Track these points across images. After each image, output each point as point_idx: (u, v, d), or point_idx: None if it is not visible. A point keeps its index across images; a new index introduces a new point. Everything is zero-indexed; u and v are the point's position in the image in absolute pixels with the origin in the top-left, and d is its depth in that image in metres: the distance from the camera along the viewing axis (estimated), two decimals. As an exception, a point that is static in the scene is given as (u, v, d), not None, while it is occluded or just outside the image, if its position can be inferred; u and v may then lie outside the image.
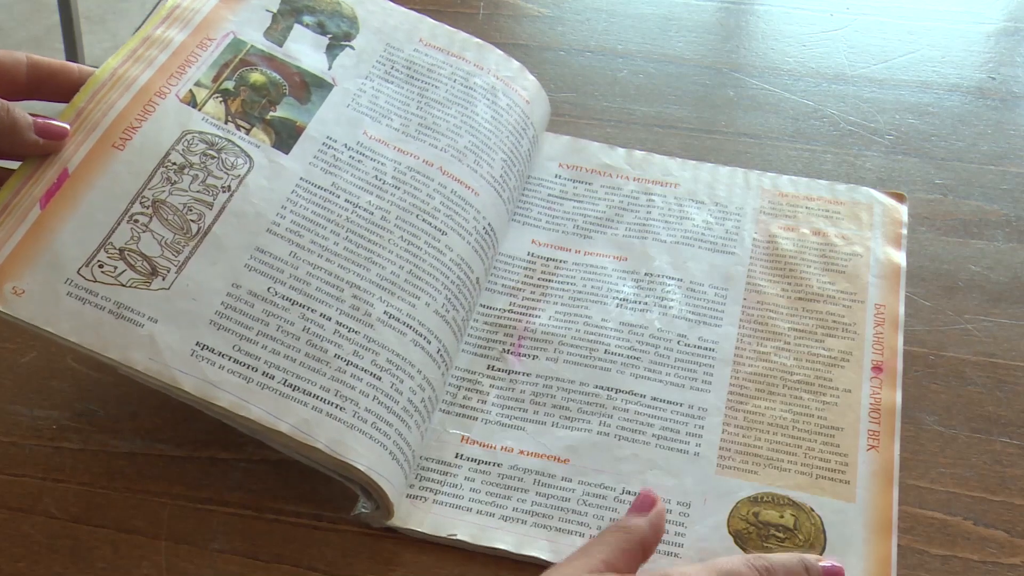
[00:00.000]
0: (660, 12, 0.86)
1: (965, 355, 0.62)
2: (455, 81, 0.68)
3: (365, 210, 0.60)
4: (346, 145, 0.63)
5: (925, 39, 0.82)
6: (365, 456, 0.52)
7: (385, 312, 0.57)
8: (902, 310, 0.63)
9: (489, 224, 0.64)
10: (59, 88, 0.58)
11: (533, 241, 0.67)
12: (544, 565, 0.53)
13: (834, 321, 0.62)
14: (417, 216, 0.61)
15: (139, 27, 0.64)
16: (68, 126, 0.55)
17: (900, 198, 0.69)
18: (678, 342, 0.61)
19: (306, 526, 0.55)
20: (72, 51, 1.82)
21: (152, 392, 0.57)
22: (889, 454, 0.56)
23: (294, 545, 0.54)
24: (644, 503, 0.51)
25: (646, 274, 0.65)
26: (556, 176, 0.71)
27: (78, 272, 0.53)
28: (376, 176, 0.62)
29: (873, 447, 0.57)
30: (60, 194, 0.55)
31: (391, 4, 0.71)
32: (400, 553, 0.54)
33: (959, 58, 0.81)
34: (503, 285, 0.65)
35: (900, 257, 0.66)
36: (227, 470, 0.57)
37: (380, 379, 0.55)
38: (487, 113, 0.67)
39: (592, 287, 0.64)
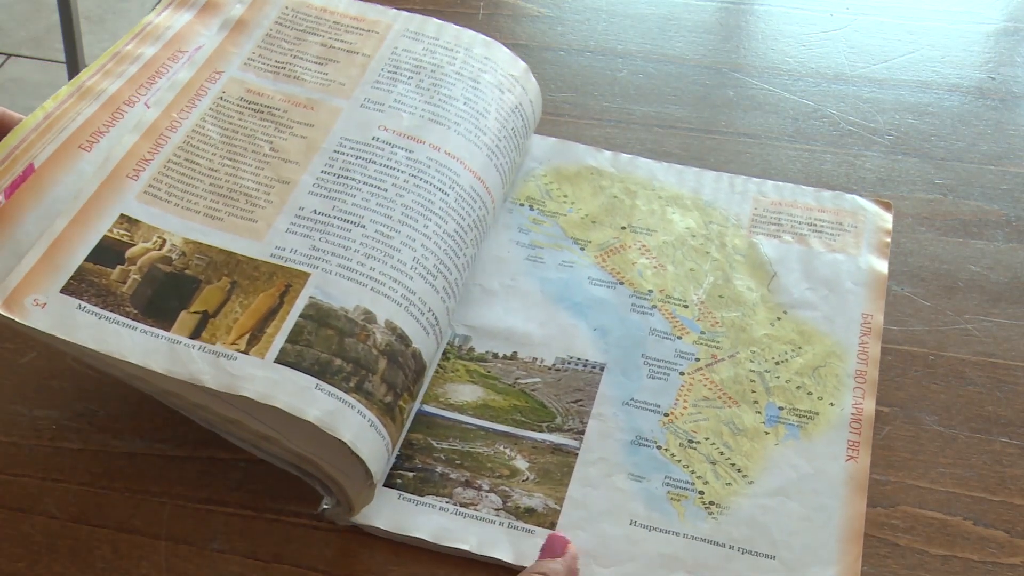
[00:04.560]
0: (660, 12, 0.86)
1: (965, 355, 0.62)
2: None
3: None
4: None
5: (925, 39, 0.82)
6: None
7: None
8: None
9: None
10: None
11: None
12: (509, 567, 0.53)
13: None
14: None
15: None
16: (2, 199, 0.55)
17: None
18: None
19: (306, 526, 0.55)
20: (72, 51, 1.82)
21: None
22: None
23: (294, 545, 0.54)
24: (555, 546, 0.51)
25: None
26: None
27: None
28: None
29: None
30: (24, 187, 0.56)
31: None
32: (400, 553, 0.54)
33: (959, 58, 0.81)
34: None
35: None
36: (227, 470, 0.57)
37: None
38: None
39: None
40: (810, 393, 0.59)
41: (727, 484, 0.56)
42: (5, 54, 2.03)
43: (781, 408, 0.58)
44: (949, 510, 0.55)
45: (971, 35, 0.83)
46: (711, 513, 0.55)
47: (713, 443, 0.57)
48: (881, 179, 0.72)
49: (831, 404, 0.59)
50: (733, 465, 0.56)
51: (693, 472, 0.56)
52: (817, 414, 0.58)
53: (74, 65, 1.83)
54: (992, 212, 0.69)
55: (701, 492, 0.55)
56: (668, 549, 0.53)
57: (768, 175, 0.71)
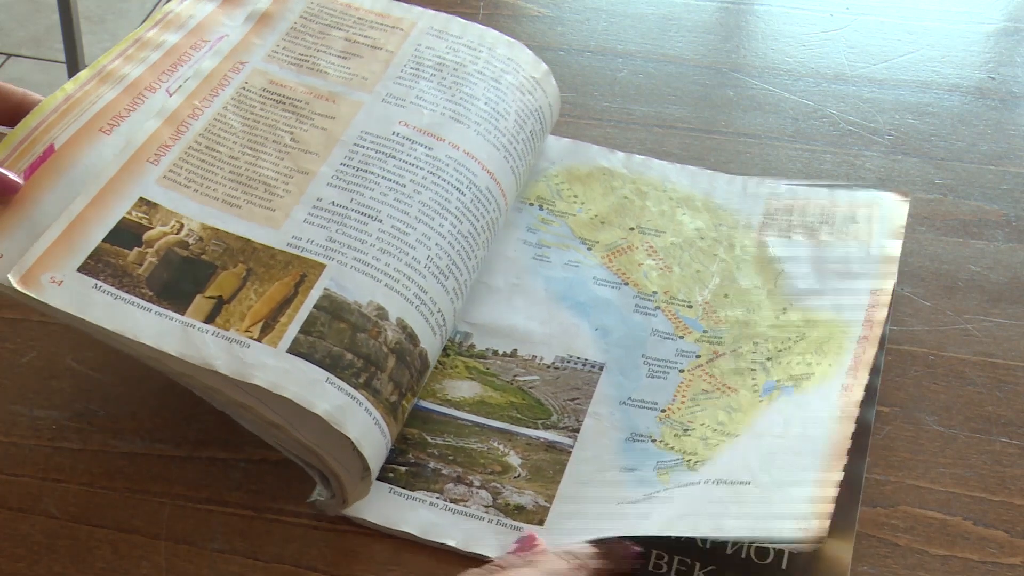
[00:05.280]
0: (660, 12, 0.86)
1: (965, 355, 0.62)
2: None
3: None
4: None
5: (925, 39, 0.82)
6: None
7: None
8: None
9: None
10: (2, 111, 0.58)
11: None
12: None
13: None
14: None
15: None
16: (21, 181, 0.55)
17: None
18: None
19: (306, 526, 0.55)
20: (72, 51, 1.82)
21: (152, 392, 0.58)
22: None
23: (294, 545, 0.54)
24: (526, 544, 0.52)
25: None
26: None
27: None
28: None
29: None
30: (44, 167, 0.56)
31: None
32: (400, 553, 0.54)
33: (959, 58, 0.81)
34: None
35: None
36: (227, 470, 0.57)
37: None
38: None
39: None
40: (809, 363, 0.58)
41: (715, 446, 0.55)
42: (5, 54, 2.03)
43: (778, 380, 0.58)
44: (949, 510, 0.55)
45: (971, 35, 0.83)
46: (695, 470, 0.54)
47: (707, 425, 0.57)
48: (881, 179, 0.72)
49: (830, 365, 0.57)
50: (727, 434, 0.56)
51: (684, 451, 0.56)
52: (813, 374, 0.57)
53: (74, 65, 1.83)
54: (992, 212, 0.69)
55: (688, 460, 0.55)
56: (649, 505, 0.53)
57: (768, 175, 0.71)
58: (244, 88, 0.63)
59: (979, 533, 0.54)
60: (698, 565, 0.52)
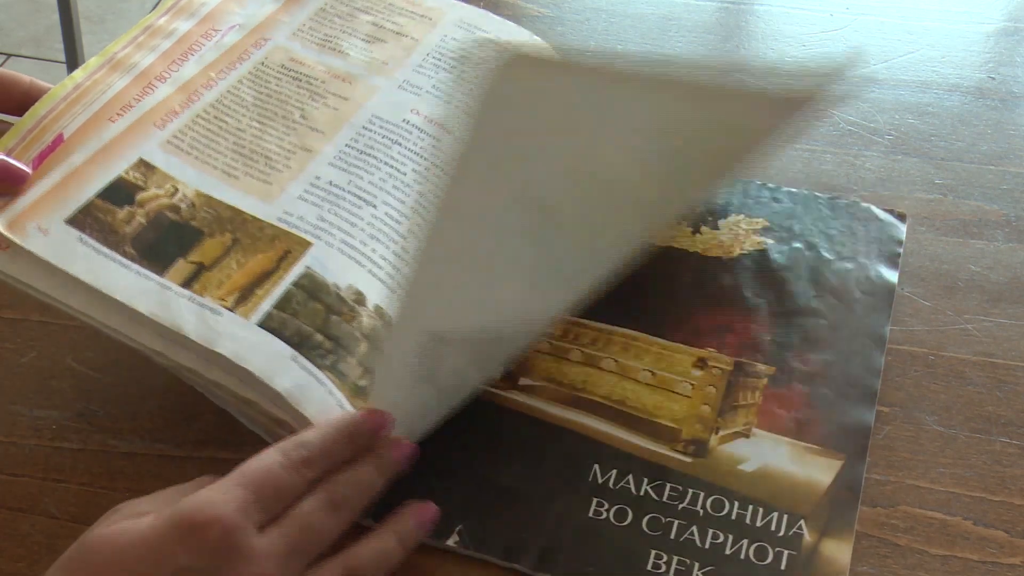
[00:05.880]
0: (660, 12, 0.86)
1: (965, 355, 0.62)
2: None
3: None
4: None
5: (925, 39, 0.82)
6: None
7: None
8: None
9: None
10: (7, 99, 0.58)
11: None
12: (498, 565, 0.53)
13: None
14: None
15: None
16: (29, 171, 0.55)
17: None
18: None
19: (306, 526, 0.55)
20: (72, 51, 1.82)
21: (152, 392, 0.58)
22: None
23: (294, 545, 0.54)
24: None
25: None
26: None
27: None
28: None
29: None
30: (53, 157, 0.56)
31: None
32: (400, 553, 0.54)
33: (959, 58, 0.81)
34: None
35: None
36: (227, 470, 0.57)
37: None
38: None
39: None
40: None
41: None
42: (5, 54, 2.03)
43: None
44: (949, 510, 0.55)
45: (971, 35, 0.83)
46: None
47: None
48: (881, 179, 0.72)
49: None
50: None
51: None
52: None
53: (74, 65, 1.83)
54: (992, 212, 0.69)
55: None
56: None
57: (768, 175, 0.71)
58: (263, 63, 0.64)
59: (979, 533, 0.54)
60: (697, 565, 0.52)
